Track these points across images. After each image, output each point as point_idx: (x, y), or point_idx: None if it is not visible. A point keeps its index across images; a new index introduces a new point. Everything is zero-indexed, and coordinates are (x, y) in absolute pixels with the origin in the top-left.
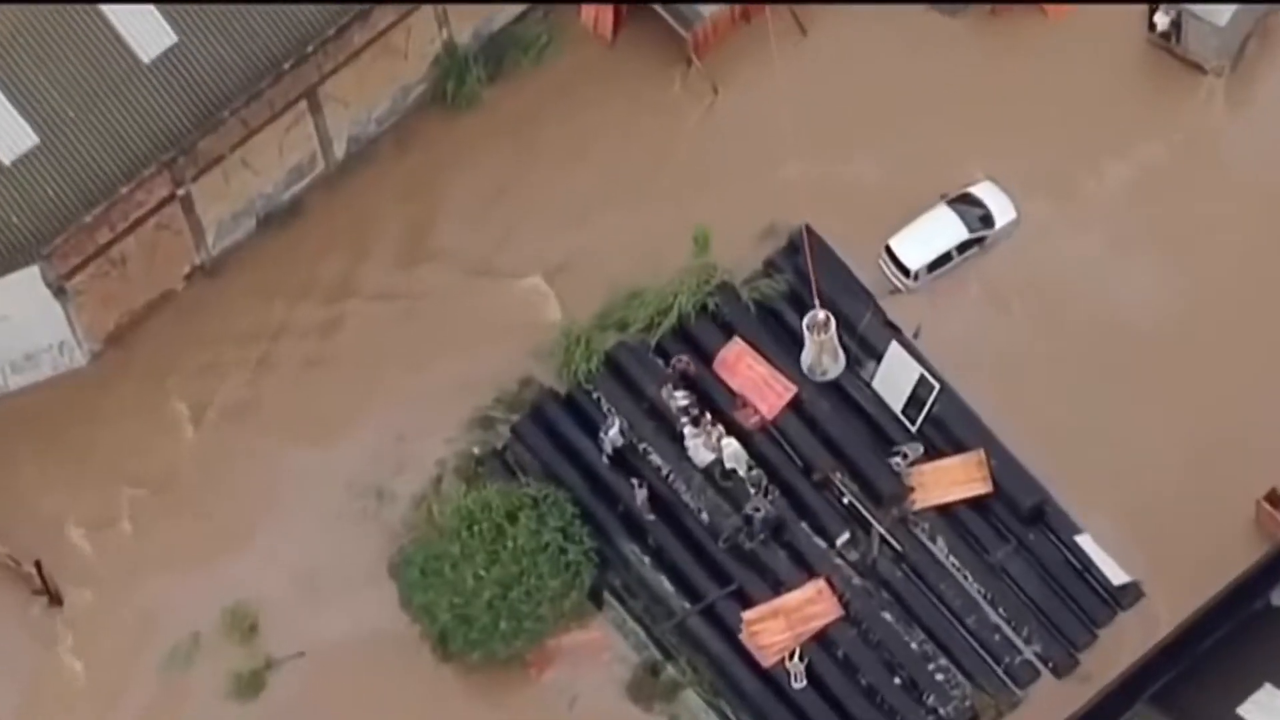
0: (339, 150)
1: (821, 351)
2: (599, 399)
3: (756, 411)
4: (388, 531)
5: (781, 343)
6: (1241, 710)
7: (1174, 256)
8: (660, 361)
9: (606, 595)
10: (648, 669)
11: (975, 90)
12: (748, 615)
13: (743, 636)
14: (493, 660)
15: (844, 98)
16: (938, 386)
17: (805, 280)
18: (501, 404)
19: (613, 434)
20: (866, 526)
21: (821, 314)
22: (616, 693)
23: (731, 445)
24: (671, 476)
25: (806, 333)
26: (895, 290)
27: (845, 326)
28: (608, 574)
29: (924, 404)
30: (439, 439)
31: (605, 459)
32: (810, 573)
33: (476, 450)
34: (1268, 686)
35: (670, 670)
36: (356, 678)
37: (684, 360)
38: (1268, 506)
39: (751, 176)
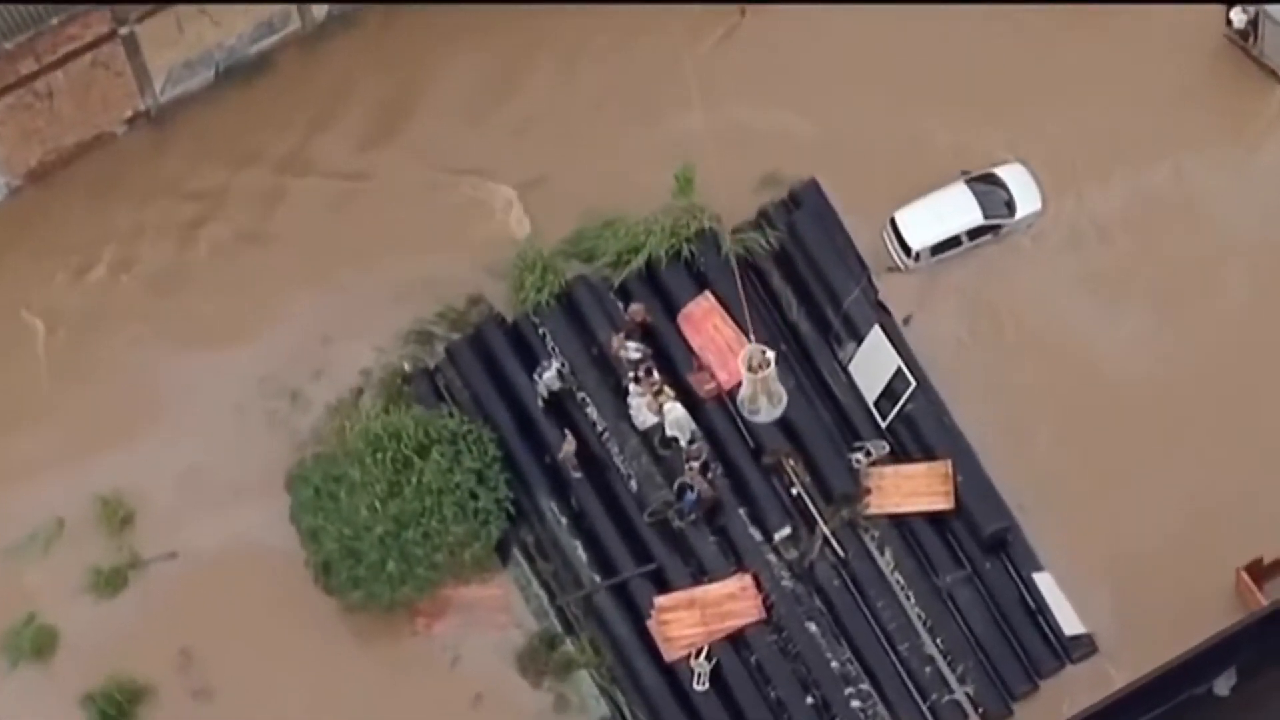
0: (319, 11)
1: (758, 391)
2: (544, 335)
3: (714, 378)
4: (294, 439)
5: (757, 308)
6: None
7: (1195, 295)
8: (621, 305)
9: (515, 551)
10: (544, 640)
11: (1029, 67)
12: (661, 601)
13: (651, 623)
14: (375, 602)
15: (885, 50)
16: (914, 383)
17: (799, 240)
18: (444, 320)
19: (548, 376)
20: (811, 524)
21: (760, 349)
22: (505, 660)
23: (676, 411)
24: (606, 434)
25: (743, 369)
26: (893, 268)
27: (831, 299)
28: (520, 529)
29: (898, 399)
30: (368, 346)
31: (540, 402)
32: (739, 565)
33: (407, 366)
34: None
35: (568, 646)
36: (227, 592)
37: (642, 309)
38: (1247, 578)
39: (762, 116)
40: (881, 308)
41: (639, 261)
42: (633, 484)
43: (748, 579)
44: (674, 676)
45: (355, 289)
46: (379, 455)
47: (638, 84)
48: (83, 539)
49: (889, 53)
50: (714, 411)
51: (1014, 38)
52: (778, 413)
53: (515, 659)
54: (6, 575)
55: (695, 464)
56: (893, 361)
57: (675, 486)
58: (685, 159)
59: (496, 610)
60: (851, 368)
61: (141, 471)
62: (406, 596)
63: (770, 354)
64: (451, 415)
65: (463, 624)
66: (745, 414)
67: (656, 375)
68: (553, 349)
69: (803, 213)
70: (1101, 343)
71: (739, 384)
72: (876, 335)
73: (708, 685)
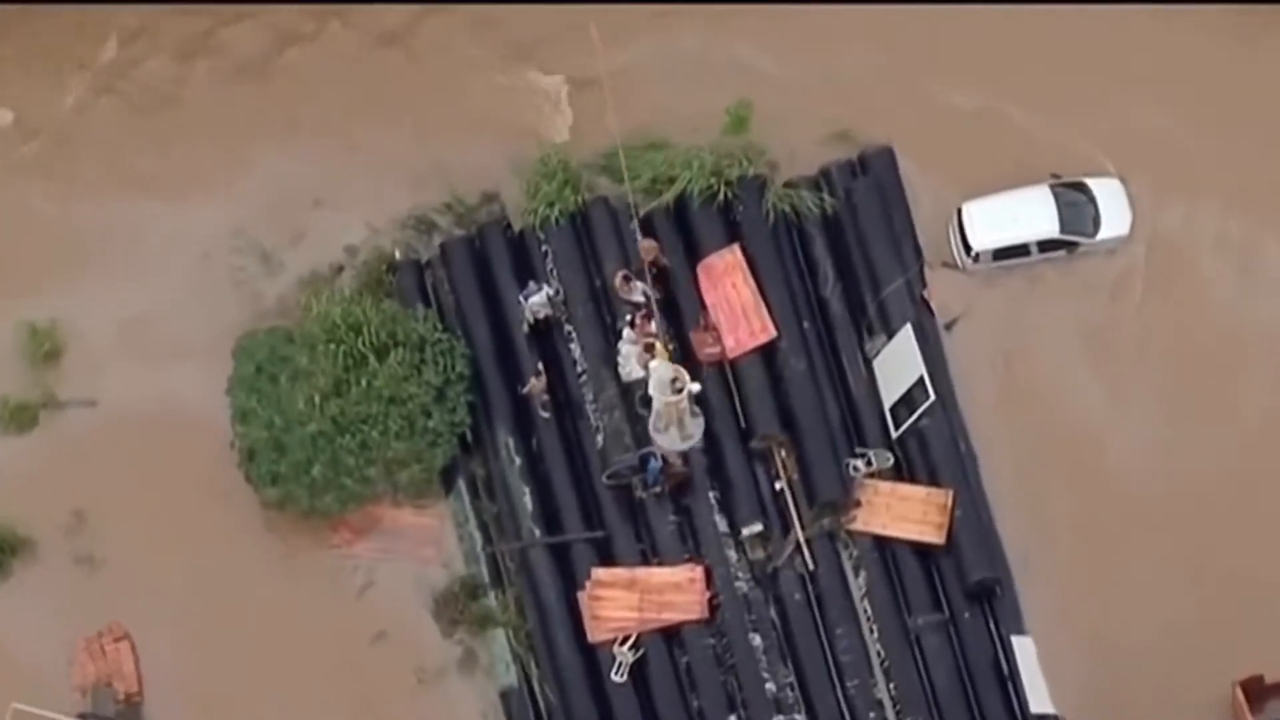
0: None
1: (673, 416)
2: (547, 253)
3: (718, 341)
4: (256, 305)
5: (789, 273)
6: None
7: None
8: (639, 237)
9: (460, 483)
10: (467, 587)
11: (1178, 70)
12: (599, 574)
13: (583, 595)
14: (292, 504)
15: (1005, 26)
16: (933, 397)
17: (854, 210)
18: (450, 212)
19: (536, 299)
20: (787, 526)
21: (682, 370)
22: (420, 598)
23: (662, 369)
24: (584, 377)
25: (657, 392)
26: (949, 264)
27: (872, 283)
28: (471, 460)
29: (915, 410)
30: (361, 220)
31: (525, 326)
32: (694, 554)
33: (397, 253)
34: None
35: (491, 599)
36: (141, 457)
37: (655, 247)
38: (1242, 696)
39: (850, 66)
40: (924, 305)
41: (670, 195)
42: (599, 438)
43: (699, 571)
44: (593, 659)
45: (364, 155)
46: (332, 346)
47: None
48: (5, 360)
49: (1008, 29)
50: (709, 378)
51: (1166, 35)
52: (683, 446)
53: (431, 600)
54: None
55: None
56: (917, 367)
57: (637, 457)
58: (759, 90)
59: (425, 542)
60: (876, 363)
61: (82, 308)
62: (327, 506)
63: (693, 385)
64: (426, 319)
65: (385, 548)
66: (650, 429)
67: (654, 325)
68: (551, 271)
69: (867, 181)
70: (1141, 409)
71: (747, 352)
72: (907, 334)
73: (626, 677)
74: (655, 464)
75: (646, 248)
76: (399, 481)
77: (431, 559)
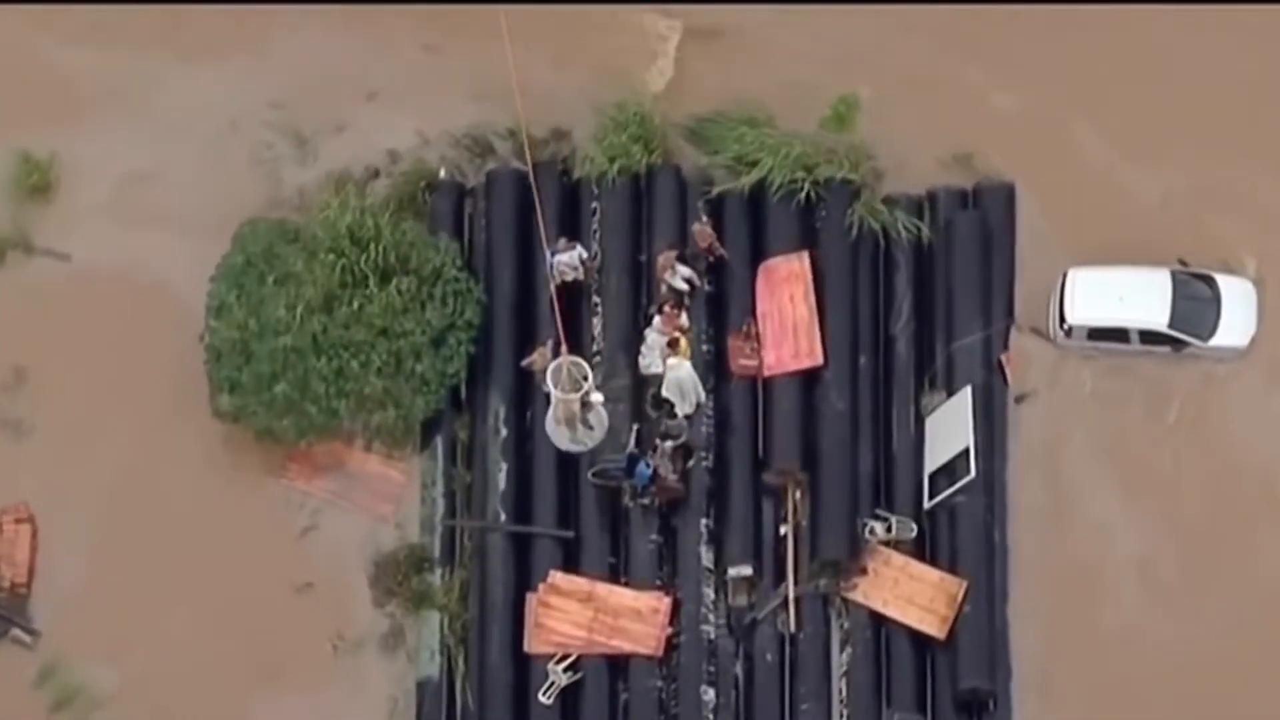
0: None
1: (566, 416)
2: (595, 210)
3: (757, 354)
4: (272, 191)
5: (859, 297)
6: None
7: None
8: (703, 218)
9: (439, 442)
10: (413, 557)
11: None
12: (556, 578)
13: (531, 598)
14: (246, 419)
15: (1189, 91)
16: (974, 474)
17: (952, 244)
18: (513, 139)
19: (564, 258)
20: (780, 575)
21: (577, 362)
22: (360, 558)
23: (681, 370)
24: (598, 359)
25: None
26: (1039, 331)
27: (948, 331)
28: (456, 419)
29: (954, 483)
30: (413, 126)
31: (552, 288)
32: (667, 582)
33: (441, 171)
34: None
35: (435, 577)
36: (102, 326)
37: (710, 233)
38: None
39: (1003, 85)
40: (1000, 370)
41: (747, 180)
42: None
43: (666, 603)
44: (525, 670)
45: (437, 57)
46: (331, 256)
47: None
48: None
49: (1180, 90)
50: (737, 391)
51: None
52: (570, 448)
53: (372, 563)
54: None
55: (670, 444)
56: (966, 436)
57: (627, 454)
58: (881, 89)
59: (385, 497)
60: (928, 421)
61: (88, 151)
62: (283, 430)
63: (596, 395)
64: (446, 251)
65: (340, 493)
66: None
67: (686, 319)
68: (595, 231)
69: (974, 215)
70: (1193, 548)
71: (786, 373)
72: (966, 397)
73: (554, 701)
74: (644, 470)
75: (702, 232)
76: (370, 423)
77: (386, 516)
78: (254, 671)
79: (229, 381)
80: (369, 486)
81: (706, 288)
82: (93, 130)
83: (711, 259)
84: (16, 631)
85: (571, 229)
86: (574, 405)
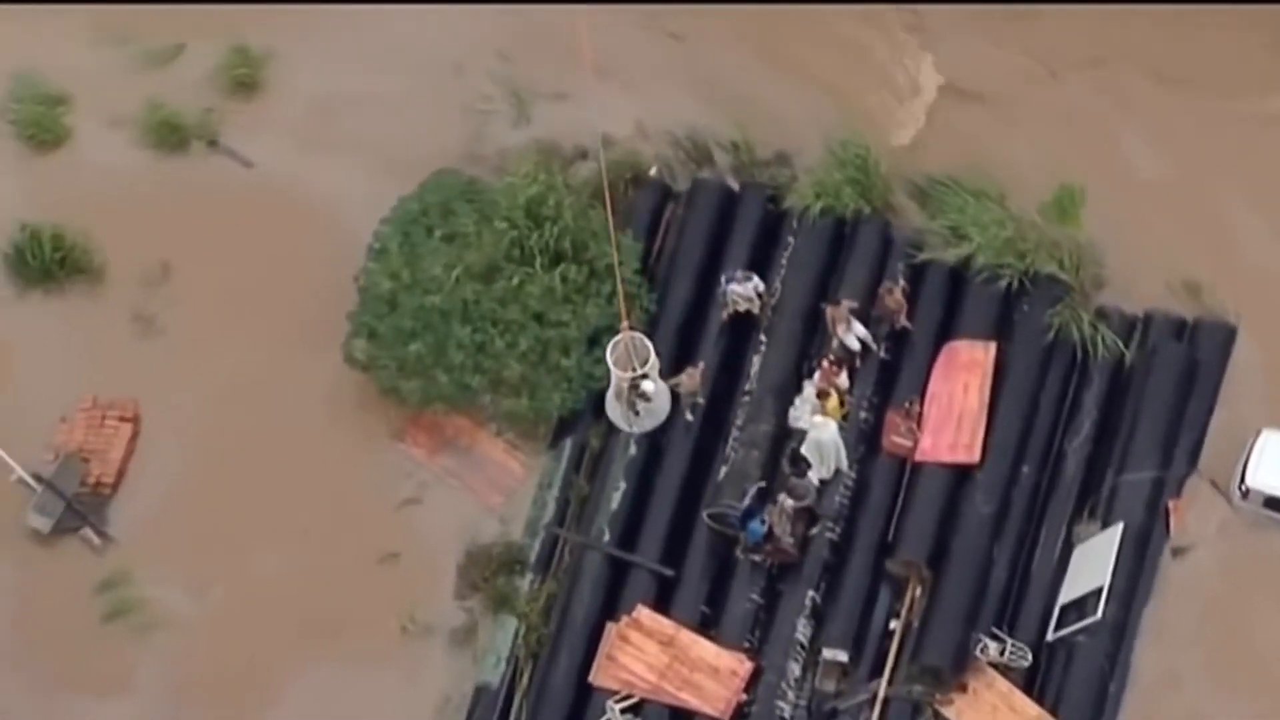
0: None
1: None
2: (788, 246)
3: (914, 435)
4: (473, 146)
5: (1035, 405)
6: None
7: None
8: (900, 281)
9: (567, 444)
10: (506, 557)
11: None
12: (642, 614)
13: (610, 629)
14: (377, 373)
15: None
16: (1099, 617)
17: (1150, 375)
18: (735, 151)
19: (739, 288)
20: (877, 670)
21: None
22: (455, 543)
23: (826, 431)
24: (747, 398)
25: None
26: (1215, 484)
27: (1121, 462)
28: (591, 427)
29: (1082, 619)
30: (634, 115)
31: (724, 315)
32: (755, 647)
33: (654, 169)
34: None
35: (523, 583)
36: (266, 242)
37: (901, 297)
38: None
39: (1257, 219)
40: (1164, 515)
41: (955, 253)
42: (723, 469)
43: (747, 668)
44: (584, 699)
45: (681, 48)
46: (504, 225)
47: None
48: (198, 69)
49: None
50: (884, 468)
51: None
52: (625, 427)
53: (465, 551)
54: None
55: (793, 503)
56: (1103, 575)
57: (744, 508)
58: (1134, 190)
59: (496, 487)
60: (1077, 550)
61: (304, 60)
62: (409, 392)
63: (648, 385)
64: (627, 250)
65: (454, 472)
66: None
67: (846, 379)
68: (781, 266)
69: (1185, 349)
70: None
71: (939, 463)
72: (1115, 534)
73: None
74: (758, 527)
75: (893, 297)
76: (499, 407)
77: (494, 507)
78: (313, 629)
79: (367, 328)
80: (485, 472)
81: (882, 354)
82: (315, 40)
83: (895, 327)
84: (88, 531)
85: (762, 258)
86: (623, 383)
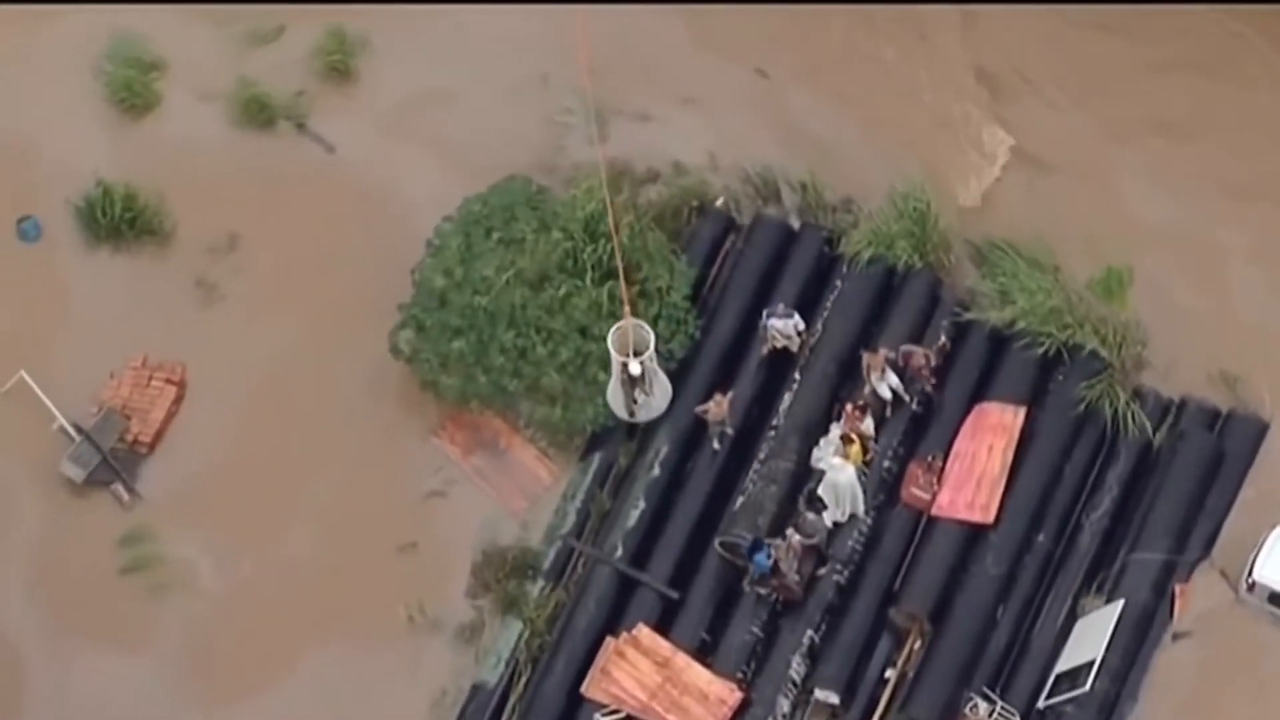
0: None
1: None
2: (837, 289)
3: (933, 489)
4: (548, 157)
5: (1059, 476)
6: None
7: None
8: (941, 337)
9: (595, 459)
10: (520, 561)
11: None
12: (641, 632)
13: (608, 644)
14: (418, 365)
15: None
16: (1086, 689)
17: (1175, 459)
18: (802, 191)
19: (779, 324)
20: (866, 717)
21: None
22: (474, 541)
23: (844, 475)
24: (773, 433)
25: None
26: (1225, 574)
27: (1136, 539)
28: (622, 445)
29: (1073, 690)
30: (709, 145)
31: (764, 350)
32: (747, 679)
33: (719, 200)
34: None
35: (534, 589)
36: (333, 225)
37: (934, 354)
38: None
39: None
40: (1170, 599)
41: (996, 317)
42: (739, 500)
43: (736, 698)
44: (573, 709)
45: (766, 86)
46: (560, 235)
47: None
48: (294, 51)
49: None
50: (899, 518)
51: None
52: (624, 415)
53: (482, 550)
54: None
55: (801, 541)
56: (1097, 649)
57: (751, 540)
58: (1190, 274)
59: (522, 492)
60: (1079, 622)
61: (398, 52)
62: (446, 389)
63: (634, 365)
64: (679, 276)
65: (479, 470)
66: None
67: (870, 426)
68: (825, 309)
69: (1213, 439)
70: None
71: (954, 519)
72: (1114, 611)
73: None
74: (763, 560)
75: (917, 355)
76: (533, 413)
77: (516, 511)
78: (318, 610)
79: (416, 321)
80: (513, 475)
81: (914, 407)
82: (410, 35)
83: (922, 384)
84: (118, 487)
85: (811, 298)
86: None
